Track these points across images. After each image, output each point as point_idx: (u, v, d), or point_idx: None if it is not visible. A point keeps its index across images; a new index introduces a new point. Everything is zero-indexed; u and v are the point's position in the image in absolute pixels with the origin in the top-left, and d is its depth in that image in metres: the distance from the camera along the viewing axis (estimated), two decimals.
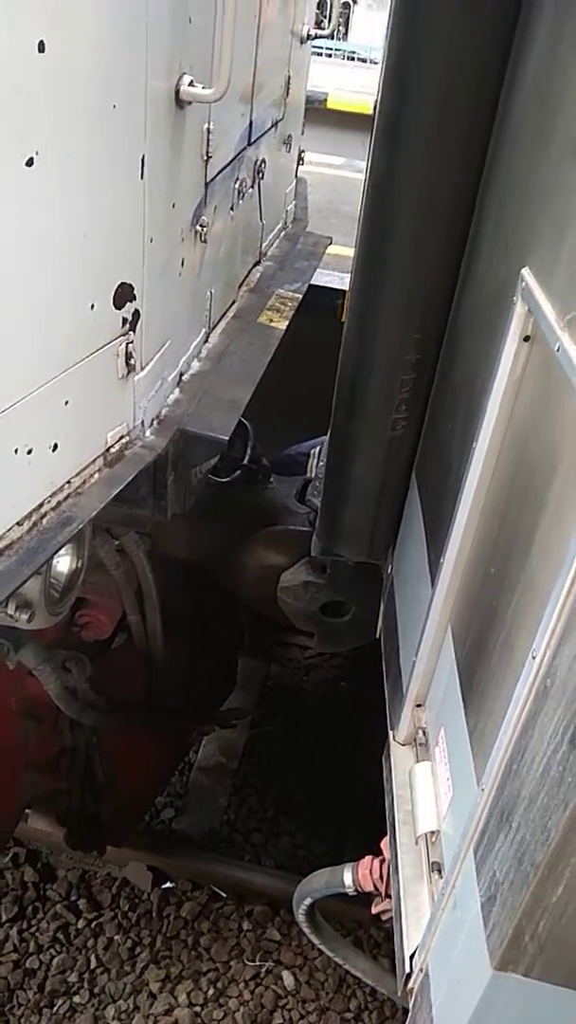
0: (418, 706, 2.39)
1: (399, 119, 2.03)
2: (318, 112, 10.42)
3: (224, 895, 4.25)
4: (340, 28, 15.90)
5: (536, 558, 1.54)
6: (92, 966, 3.98)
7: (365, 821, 2.44)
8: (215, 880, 4.27)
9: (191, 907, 4.19)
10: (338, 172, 7.42)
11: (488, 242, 2.03)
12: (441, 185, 2.11)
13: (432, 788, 2.11)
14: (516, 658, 1.54)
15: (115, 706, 3.45)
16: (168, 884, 4.26)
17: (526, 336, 1.64)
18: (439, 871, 1.97)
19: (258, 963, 4.01)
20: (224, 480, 3.65)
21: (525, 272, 1.63)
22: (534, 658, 1.36)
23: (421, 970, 1.91)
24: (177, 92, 2.15)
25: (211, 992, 3.92)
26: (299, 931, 3.13)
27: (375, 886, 2.54)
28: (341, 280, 4.65)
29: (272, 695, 5.41)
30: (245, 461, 3.80)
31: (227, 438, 2.65)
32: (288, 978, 3.98)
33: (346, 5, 15.88)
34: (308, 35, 3.70)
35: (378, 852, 2.51)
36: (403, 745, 2.44)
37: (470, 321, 2.16)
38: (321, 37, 3.83)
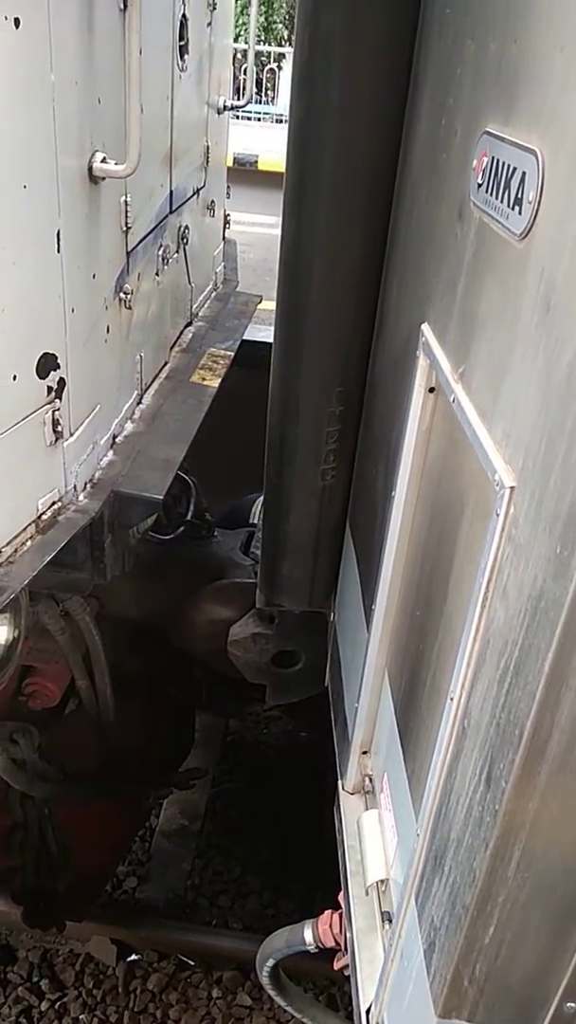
0: (364, 753, 2.40)
1: (303, 189, 2.13)
2: (250, 174, 10.79)
3: (192, 963, 4.13)
4: (268, 92, 16.53)
5: (452, 601, 1.58)
6: None
7: (334, 874, 2.43)
8: (182, 948, 4.15)
9: (158, 978, 4.06)
10: (271, 231, 7.60)
11: (394, 299, 2.12)
12: (348, 247, 2.20)
13: (380, 836, 2.11)
14: (441, 701, 1.57)
15: (68, 775, 3.38)
16: (133, 956, 4.13)
17: (431, 388, 1.71)
18: (390, 920, 1.96)
19: None
20: (168, 537, 3.67)
21: (424, 327, 1.71)
22: (452, 699, 1.40)
23: None
24: (90, 169, 2.23)
25: None
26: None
27: (336, 940, 2.51)
28: None
29: (233, 751, 5.35)
30: (189, 516, 3.82)
31: (162, 497, 2.67)
32: None
33: (272, 71, 16.55)
34: (225, 106, 3.85)
35: (339, 906, 2.49)
36: (352, 794, 2.44)
37: (384, 373, 2.24)
38: (238, 107, 3.99)
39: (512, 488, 1.18)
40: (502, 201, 1.28)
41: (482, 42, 1.47)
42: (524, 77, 1.26)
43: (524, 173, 1.19)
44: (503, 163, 1.28)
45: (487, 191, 1.35)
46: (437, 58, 1.79)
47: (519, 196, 1.21)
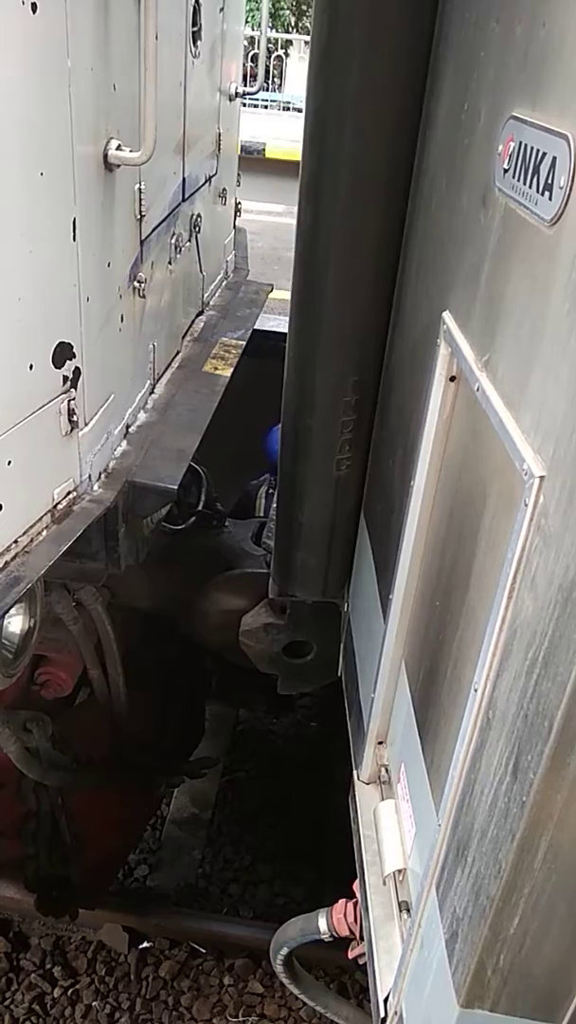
0: (380, 743, 2.40)
1: (320, 175, 2.10)
2: (257, 162, 10.70)
3: (203, 951, 4.16)
4: (275, 79, 16.41)
5: (474, 591, 1.57)
6: None
7: (343, 863, 2.43)
8: (193, 936, 4.18)
9: (170, 966, 4.09)
10: (279, 219, 7.58)
11: (413, 287, 2.10)
12: (365, 234, 2.18)
13: (396, 826, 2.11)
14: (463, 691, 1.56)
15: (81, 764, 3.39)
16: (145, 944, 4.16)
17: (452, 376, 1.70)
18: (408, 910, 1.96)
19: (241, 1018, 3.92)
20: (180, 527, 3.67)
21: (446, 315, 1.69)
22: (476, 690, 1.39)
23: (396, 1013, 1.89)
24: (105, 156, 2.21)
25: None
26: (281, 982, 3.07)
27: (350, 930, 2.52)
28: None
29: (243, 740, 5.36)
30: (200, 507, 3.81)
31: (176, 487, 2.66)
32: None
33: (279, 58, 16.43)
34: (236, 93, 3.82)
35: (352, 895, 2.49)
36: (367, 784, 2.44)
37: (402, 362, 2.22)
38: (249, 94, 3.95)
39: (542, 477, 1.17)
40: (530, 187, 1.26)
41: (508, 25, 1.44)
42: (554, 61, 1.24)
43: (555, 158, 1.17)
44: (531, 148, 1.26)
45: (514, 176, 1.33)
46: (459, 41, 1.77)
47: (549, 181, 1.19)
